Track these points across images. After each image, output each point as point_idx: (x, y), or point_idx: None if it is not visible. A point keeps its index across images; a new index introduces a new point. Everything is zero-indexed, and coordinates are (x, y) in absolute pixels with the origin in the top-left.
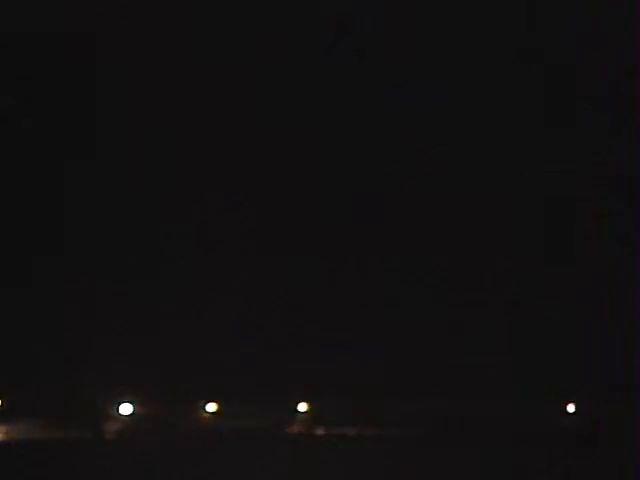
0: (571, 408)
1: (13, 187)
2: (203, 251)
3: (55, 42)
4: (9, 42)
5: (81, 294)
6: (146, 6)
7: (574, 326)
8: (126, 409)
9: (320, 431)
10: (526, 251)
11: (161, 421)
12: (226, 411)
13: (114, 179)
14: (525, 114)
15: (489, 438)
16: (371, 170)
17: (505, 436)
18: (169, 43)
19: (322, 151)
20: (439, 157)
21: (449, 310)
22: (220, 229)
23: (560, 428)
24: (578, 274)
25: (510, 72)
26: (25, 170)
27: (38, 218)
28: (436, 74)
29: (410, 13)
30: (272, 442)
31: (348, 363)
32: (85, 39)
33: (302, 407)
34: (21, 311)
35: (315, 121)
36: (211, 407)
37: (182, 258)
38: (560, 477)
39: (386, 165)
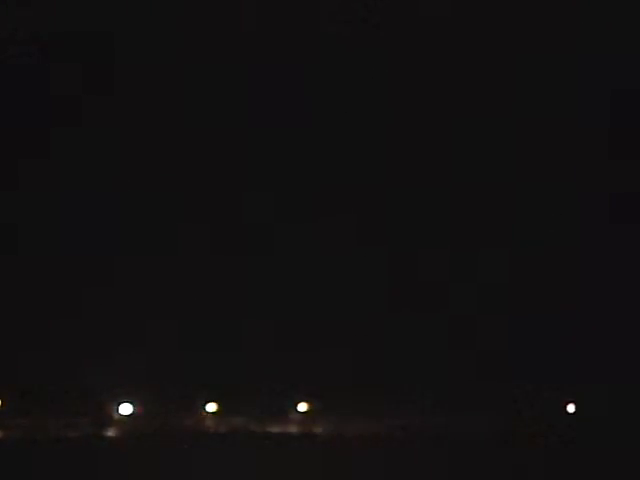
0: (571, 408)
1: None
2: (202, 252)
3: None
4: None
5: (81, 295)
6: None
7: (574, 326)
8: (126, 409)
9: (320, 431)
10: (526, 248)
11: (161, 421)
12: (226, 411)
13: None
14: None
15: (489, 438)
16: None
17: (505, 436)
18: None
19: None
20: None
21: (447, 309)
22: (219, 229)
23: (560, 428)
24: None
25: None
26: None
27: (36, 217)
28: None
29: None
30: (271, 442)
31: (348, 364)
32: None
33: (302, 407)
34: (21, 312)
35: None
36: (211, 407)
37: (182, 259)
38: (559, 477)
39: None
